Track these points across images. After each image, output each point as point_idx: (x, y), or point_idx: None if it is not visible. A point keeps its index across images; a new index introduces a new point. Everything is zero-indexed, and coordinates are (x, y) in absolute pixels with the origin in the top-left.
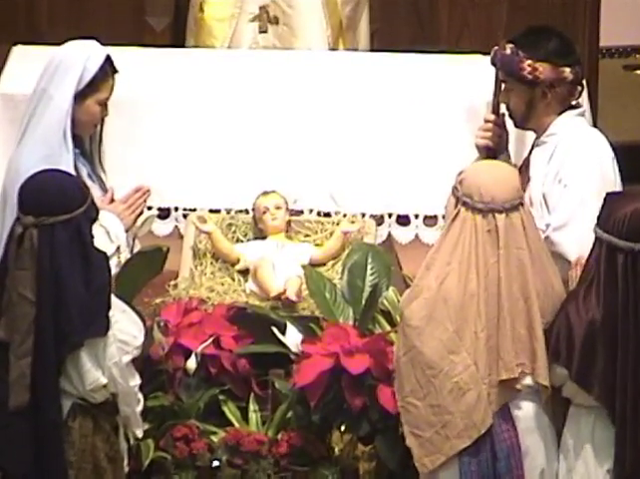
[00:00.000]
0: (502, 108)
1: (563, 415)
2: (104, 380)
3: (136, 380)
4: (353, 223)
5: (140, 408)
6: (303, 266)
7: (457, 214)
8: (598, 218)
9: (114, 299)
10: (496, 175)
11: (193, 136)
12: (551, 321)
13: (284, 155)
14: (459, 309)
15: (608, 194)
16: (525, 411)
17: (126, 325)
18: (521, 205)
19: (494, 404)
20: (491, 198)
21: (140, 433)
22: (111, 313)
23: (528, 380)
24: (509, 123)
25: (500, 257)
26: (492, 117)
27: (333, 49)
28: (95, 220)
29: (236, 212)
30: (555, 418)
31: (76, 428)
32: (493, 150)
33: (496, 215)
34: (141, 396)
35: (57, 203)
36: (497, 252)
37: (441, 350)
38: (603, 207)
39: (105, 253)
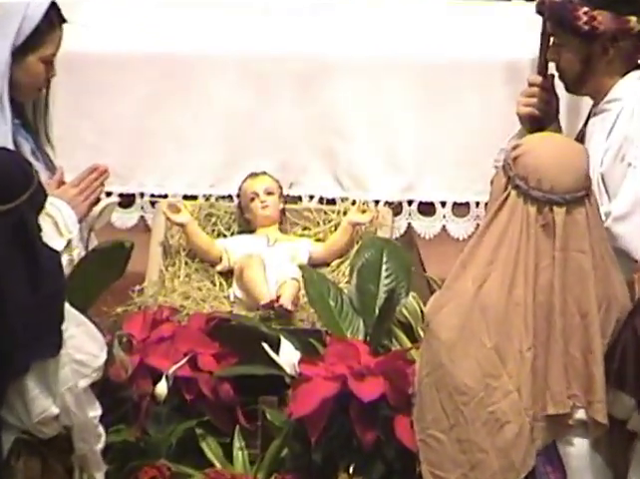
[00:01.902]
0: (551, 67)
1: (627, 453)
2: (55, 410)
3: (95, 410)
4: (364, 212)
5: (100, 445)
6: (301, 267)
7: (505, 198)
8: None
9: (68, 309)
10: (562, 156)
11: (163, 103)
12: (614, 340)
13: (277, 127)
14: (500, 321)
15: None
16: (576, 448)
17: (83, 342)
18: (588, 197)
19: (539, 441)
20: (551, 185)
21: (100, 477)
22: (64, 327)
23: (581, 414)
24: (560, 86)
25: (556, 261)
26: (539, 79)
27: None
28: (42, 207)
29: (217, 198)
30: (616, 457)
31: (20, 469)
32: (540, 119)
33: (555, 208)
34: (101, 430)
35: None
36: (552, 254)
37: (475, 371)
38: None
39: (56, 251)
